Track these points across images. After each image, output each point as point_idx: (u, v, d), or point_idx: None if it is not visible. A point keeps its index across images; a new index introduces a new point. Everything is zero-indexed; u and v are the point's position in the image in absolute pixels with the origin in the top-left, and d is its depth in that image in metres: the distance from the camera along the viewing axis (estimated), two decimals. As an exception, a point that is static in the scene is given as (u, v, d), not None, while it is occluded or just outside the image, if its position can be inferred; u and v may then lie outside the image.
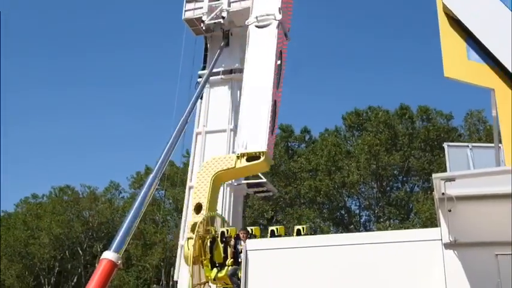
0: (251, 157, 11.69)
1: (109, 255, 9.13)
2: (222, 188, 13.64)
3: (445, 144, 12.46)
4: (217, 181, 11.74)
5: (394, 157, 37.37)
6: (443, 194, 6.05)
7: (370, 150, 37.27)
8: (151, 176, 11.95)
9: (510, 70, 6.57)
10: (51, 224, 42.37)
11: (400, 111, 39.30)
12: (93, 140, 78.98)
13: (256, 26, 13.21)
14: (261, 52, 12.92)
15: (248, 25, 13.47)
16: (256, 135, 12.00)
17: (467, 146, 11.87)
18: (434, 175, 6.01)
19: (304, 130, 42.56)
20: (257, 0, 13.73)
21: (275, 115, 12.80)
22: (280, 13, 13.19)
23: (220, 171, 11.60)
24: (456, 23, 7.39)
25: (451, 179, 5.81)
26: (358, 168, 37.77)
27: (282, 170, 38.71)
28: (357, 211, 41.67)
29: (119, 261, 9.27)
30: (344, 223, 40.34)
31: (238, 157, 11.76)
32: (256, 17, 13.23)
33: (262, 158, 11.66)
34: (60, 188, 47.36)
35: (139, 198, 11.30)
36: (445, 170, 13.01)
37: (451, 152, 11.86)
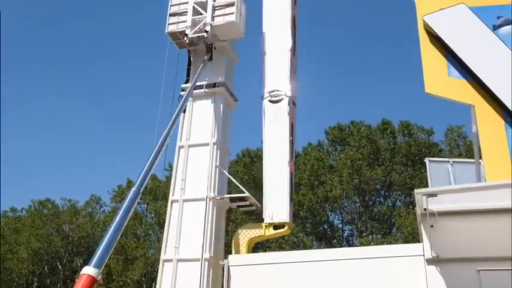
0: (276, 225, 13.45)
1: (89, 270, 8.91)
2: (204, 202, 13.65)
3: (426, 160, 12.59)
4: (250, 244, 13.55)
5: (376, 172, 37.61)
6: (425, 209, 6.08)
7: (352, 165, 37.46)
8: (133, 189, 11.76)
9: (489, 87, 6.68)
10: (30, 238, 41.53)
11: (382, 126, 39.69)
12: (74, 153, 77.99)
13: (270, 101, 14.41)
14: (275, 128, 14.32)
15: (262, 99, 14.65)
16: (280, 207, 13.61)
17: (448, 162, 12.01)
18: (416, 191, 6.03)
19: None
20: (268, 76, 14.74)
21: (292, 184, 14.21)
22: (289, 89, 14.37)
23: (253, 238, 13.46)
24: (436, 40, 7.52)
25: (432, 195, 5.85)
26: (340, 182, 37.91)
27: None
28: (340, 225, 41.70)
29: (99, 277, 9.06)
30: (327, 237, 40.32)
31: (266, 226, 13.43)
32: (269, 93, 14.38)
33: (286, 228, 13.37)
34: (40, 202, 46.59)
35: (120, 212, 11.10)
36: (426, 185, 13.10)
37: (433, 167, 11.98)
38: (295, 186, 39.21)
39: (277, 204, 13.62)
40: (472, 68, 7.04)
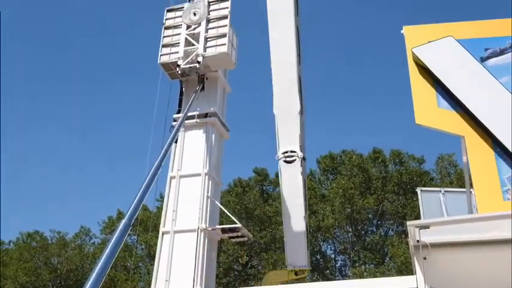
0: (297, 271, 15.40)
1: (77, 305, 8.72)
2: (196, 234, 13.53)
3: (418, 189, 12.70)
4: None
5: (368, 201, 37.61)
6: (417, 241, 6.06)
7: (344, 194, 37.46)
8: (123, 221, 11.59)
9: (478, 118, 6.78)
10: (17, 272, 40.75)
11: (373, 155, 39.91)
12: (63, 184, 77.24)
13: (284, 161, 15.55)
14: (291, 186, 15.67)
15: (278, 160, 15.86)
16: (299, 256, 15.49)
17: (440, 191, 12.08)
18: (408, 222, 6.04)
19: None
20: (281, 138, 15.84)
21: (307, 233, 15.99)
22: (301, 150, 15.48)
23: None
24: (425, 71, 7.66)
25: (425, 227, 5.85)
26: (333, 212, 37.81)
27: (256, 214, 38.43)
28: (333, 255, 41.41)
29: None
30: (320, 268, 39.95)
31: (288, 272, 15.33)
32: (283, 154, 15.54)
33: (305, 273, 15.37)
34: (29, 234, 45.87)
35: (110, 244, 10.90)
36: (418, 214, 13.17)
37: (424, 197, 12.05)
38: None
39: (297, 253, 15.44)
40: (461, 99, 7.17)
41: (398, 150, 40.18)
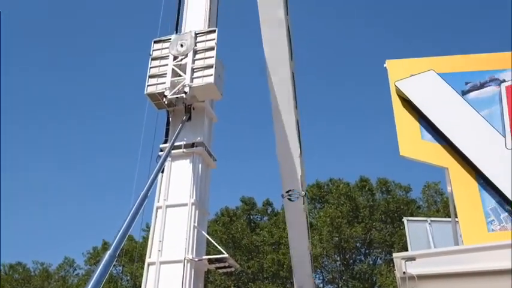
0: None
1: None
2: (182, 264, 13.34)
3: (404, 219, 12.80)
4: None
5: (356, 229, 37.58)
6: (404, 273, 6.08)
7: (332, 223, 37.41)
8: (108, 252, 11.42)
9: (462, 150, 6.91)
10: (-2, 305, 39.84)
11: (360, 184, 40.05)
12: (47, 214, 76.06)
13: (288, 199, 16.61)
14: (295, 221, 17.13)
15: (282, 198, 16.96)
16: (306, 283, 17.64)
17: (426, 221, 12.18)
18: (394, 255, 6.08)
19: (267, 203, 42.53)
20: (284, 178, 16.92)
21: (312, 260, 17.77)
22: (302, 188, 16.57)
23: None
24: (409, 104, 7.83)
25: (411, 259, 5.89)
26: (320, 241, 37.66)
27: (244, 244, 38.14)
28: (321, 285, 41.03)
29: None
30: (308, 298, 39.50)
31: None
32: (287, 192, 16.72)
33: None
34: (11, 265, 44.89)
35: (95, 276, 10.72)
36: (405, 242, 13.23)
37: (411, 227, 12.15)
38: (276, 245, 39.07)
39: (303, 280, 17.52)
40: (444, 132, 7.34)
41: (385, 178, 40.46)
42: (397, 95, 8.01)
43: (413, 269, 6.01)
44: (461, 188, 6.87)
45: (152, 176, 14.00)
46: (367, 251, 40.40)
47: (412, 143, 7.64)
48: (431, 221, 12.05)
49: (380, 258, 40.01)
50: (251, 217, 41.63)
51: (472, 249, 5.91)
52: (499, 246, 5.69)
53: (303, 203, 16.69)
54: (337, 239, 37.75)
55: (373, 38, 78.89)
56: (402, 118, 7.85)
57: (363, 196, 39.70)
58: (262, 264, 36.95)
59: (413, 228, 12.13)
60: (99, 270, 10.82)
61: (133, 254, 33.17)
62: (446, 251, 6.12)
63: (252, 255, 37.70)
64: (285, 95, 15.90)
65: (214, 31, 15.83)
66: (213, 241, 15.52)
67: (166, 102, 15.53)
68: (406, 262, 5.92)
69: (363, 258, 40.25)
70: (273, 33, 15.67)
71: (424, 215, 35.62)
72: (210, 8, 16.59)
